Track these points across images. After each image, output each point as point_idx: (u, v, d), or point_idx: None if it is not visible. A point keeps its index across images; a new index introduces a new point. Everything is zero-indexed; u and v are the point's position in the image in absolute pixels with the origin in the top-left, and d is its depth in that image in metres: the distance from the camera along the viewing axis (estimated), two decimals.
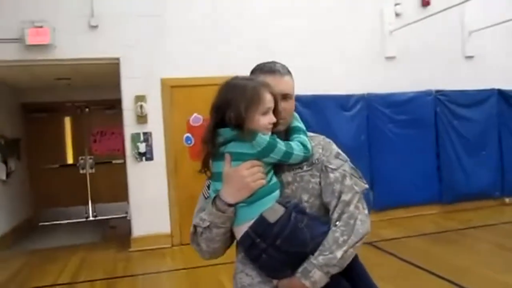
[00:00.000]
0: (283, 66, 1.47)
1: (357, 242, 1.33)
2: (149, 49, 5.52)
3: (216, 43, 5.70)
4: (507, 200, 6.83)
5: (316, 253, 1.30)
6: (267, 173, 1.33)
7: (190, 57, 5.61)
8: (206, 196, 1.44)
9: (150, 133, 5.57)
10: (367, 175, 6.03)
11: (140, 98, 5.49)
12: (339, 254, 1.29)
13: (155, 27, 5.55)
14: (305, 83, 5.82)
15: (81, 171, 7.90)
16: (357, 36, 6.25)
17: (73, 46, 5.32)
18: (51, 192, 7.53)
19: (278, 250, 1.29)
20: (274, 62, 1.47)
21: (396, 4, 6.35)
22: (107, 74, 5.95)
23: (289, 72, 1.47)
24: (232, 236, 1.40)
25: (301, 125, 1.48)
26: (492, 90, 6.72)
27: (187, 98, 5.63)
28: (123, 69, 5.50)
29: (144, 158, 5.55)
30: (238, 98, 1.29)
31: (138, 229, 5.55)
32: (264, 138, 1.29)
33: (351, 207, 1.36)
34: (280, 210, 1.30)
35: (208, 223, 1.34)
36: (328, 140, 1.51)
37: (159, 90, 5.58)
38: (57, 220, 7.54)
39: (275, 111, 1.35)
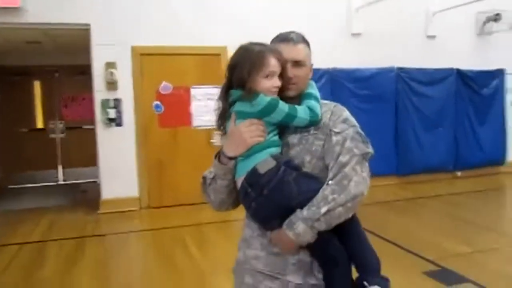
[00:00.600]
0: (298, 35, 1.51)
1: (347, 202, 1.33)
2: (121, 16, 5.58)
3: (187, 13, 5.80)
4: (458, 173, 7.30)
5: (304, 208, 1.34)
6: (268, 132, 1.41)
7: (161, 26, 5.70)
8: None
9: (120, 100, 5.70)
10: None
11: (110, 65, 5.59)
12: (323, 209, 1.31)
13: None
14: None
15: (51, 136, 7.95)
16: (324, 12, 6.43)
17: (45, 10, 5.34)
18: (21, 155, 7.59)
19: (265, 199, 1.36)
20: (290, 31, 1.52)
21: None
22: (78, 40, 5.99)
23: (304, 41, 1.51)
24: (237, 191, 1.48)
25: (315, 92, 1.52)
26: (451, 69, 7.07)
27: (157, 67, 5.77)
28: (93, 35, 5.56)
29: (114, 123, 5.69)
30: (243, 60, 1.38)
31: (107, 192, 5.74)
32: (264, 98, 1.36)
33: (347, 169, 1.37)
34: (271, 163, 1.37)
35: (213, 174, 1.47)
36: (341, 107, 1.54)
37: (130, 58, 5.68)
38: (27, 184, 7.62)
39: (283, 76, 1.42)
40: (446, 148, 7.13)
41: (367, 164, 1.42)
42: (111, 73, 5.57)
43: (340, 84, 6.45)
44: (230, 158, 1.42)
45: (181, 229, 4.99)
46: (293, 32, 1.51)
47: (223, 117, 1.46)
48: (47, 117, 8.01)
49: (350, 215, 1.37)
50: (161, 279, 3.65)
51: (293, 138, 1.46)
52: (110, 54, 5.59)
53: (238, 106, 1.40)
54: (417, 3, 6.87)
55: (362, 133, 1.46)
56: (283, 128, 1.46)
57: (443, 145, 7.09)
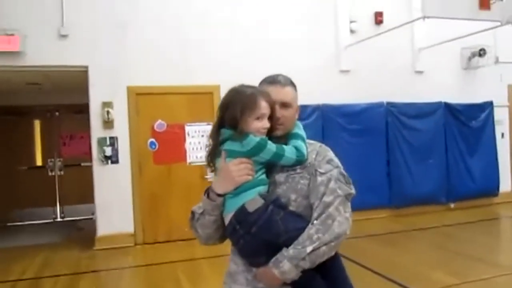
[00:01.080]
0: (286, 78, 1.60)
1: (331, 241, 1.40)
2: (116, 58, 5.82)
3: (179, 54, 6.04)
4: (452, 205, 7.37)
5: (290, 247, 1.40)
6: (257, 171, 1.47)
7: (155, 66, 5.93)
8: None
9: (116, 138, 5.87)
10: None
11: (107, 105, 5.78)
12: (309, 249, 1.38)
13: (122, 38, 5.85)
14: None
15: (50, 173, 8.09)
16: (314, 50, 6.69)
17: (43, 53, 5.58)
18: (20, 193, 7.69)
19: (253, 237, 1.41)
20: (277, 74, 1.60)
21: (351, 22, 6.84)
22: (76, 80, 6.21)
23: (291, 84, 1.59)
24: (224, 224, 1.53)
25: (301, 132, 1.60)
26: (439, 103, 7.26)
27: (152, 105, 5.96)
28: (91, 76, 5.79)
29: (110, 161, 5.84)
30: (236, 102, 1.45)
31: (103, 228, 5.82)
32: (254, 139, 1.43)
33: (331, 209, 1.44)
34: (259, 202, 1.43)
35: (202, 210, 1.53)
36: (325, 147, 1.62)
37: (125, 97, 5.88)
38: (25, 221, 7.70)
39: (272, 118, 1.49)
40: (438, 179, 7.23)
41: (349, 204, 1.50)
42: (108, 112, 5.77)
43: (330, 119, 6.63)
44: (219, 195, 1.48)
45: (174, 265, 5.04)
46: (280, 75, 1.60)
47: (214, 154, 1.53)
48: (46, 155, 8.16)
49: (332, 254, 1.44)
50: None
51: (280, 177, 1.53)
52: (106, 94, 5.80)
53: (229, 145, 1.47)
54: (404, 40, 7.12)
55: (345, 174, 1.55)
56: (271, 167, 1.52)
57: (435, 177, 7.20)
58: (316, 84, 6.58)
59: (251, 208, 1.42)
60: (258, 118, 1.45)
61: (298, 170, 1.52)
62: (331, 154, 1.58)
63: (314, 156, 1.55)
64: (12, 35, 5.41)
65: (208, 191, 1.52)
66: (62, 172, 8.11)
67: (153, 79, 5.92)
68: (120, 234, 5.81)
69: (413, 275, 4.27)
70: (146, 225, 5.93)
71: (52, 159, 8.12)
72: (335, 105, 6.66)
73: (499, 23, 5.39)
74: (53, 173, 8.10)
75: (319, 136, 6.55)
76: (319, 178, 1.49)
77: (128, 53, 5.86)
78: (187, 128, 6.09)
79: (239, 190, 1.45)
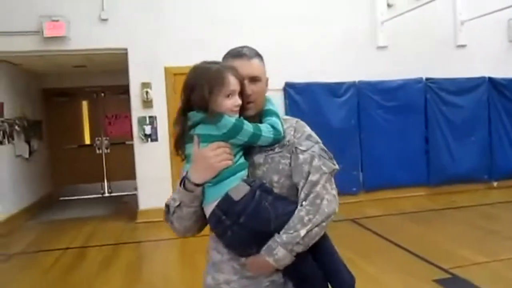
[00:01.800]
0: (251, 49, 1.48)
1: (322, 222, 1.35)
2: (154, 39, 6.04)
3: (215, 34, 6.15)
4: (495, 183, 7.15)
5: (281, 232, 1.33)
6: (235, 154, 1.35)
7: (190, 47, 6.05)
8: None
9: (155, 117, 6.13)
10: (357, 158, 6.50)
11: (145, 85, 6.04)
12: (302, 232, 1.32)
13: (159, 19, 6.05)
14: (300, 71, 6.28)
15: (97, 151, 8.57)
16: (350, 27, 6.60)
17: (86, 37, 5.89)
18: (70, 170, 8.22)
19: (242, 227, 1.31)
20: (243, 46, 1.48)
21: None
22: (118, 62, 6.48)
23: (257, 55, 1.48)
24: (204, 215, 1.42)
25: (274, 108, 1.50)
26: (482, 78, 7.00)
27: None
28: (130, 58, 6.05)
29: (149, 139, 6.13)
30: (201, 81, 1.32)
31: (144, 203, 6.15)
32: (229, 119, 1.31)
33: (318, 187, 1.37)
34: (245, 189, 1.33)
35: (178, 202, 1.38)
36: (301, 122, 1.52)
37: (163, 78, 6.11)
38: (76, 196, 8.24)
39: (242, 95, 1.37)
40: (480, 157, 7.02)
41: (333, 180, 1.44)
42: (146, 92, 6.02)
43: (366, 96, 6.56)
44: (197, 185, 1.35)
45: (207, 238, 5.27)
46: (245, 46, 1.49)
47: (182, 140, 1.41)
48: (93, 134, 8.63)
49: (322, 233, 1.39)
50: (183, 280, 3.97)
51: (258, 158, 1.43)
52: (145, 75, 6.05)
53: (201, 129, 1.34)
54: (444, 12, 6.88)
55: (326, 149, 1.47)
56: (247, 148, 1.41)
57: (477, 155, 6.99)
58: (352, 60, 6.56)
59: (236, 196, 1.32)
60: (228, 96, 1.34)
61: (277, 149, 1.43)
62: (308, 129, 1.50)
63: (292, 133, 1.47)
64: (57, 21, 5.73)
65: (183, 181, 1.38)
66: (108, 150, 8.56)
67: (189, 59, 6.00)
68: (160, 209, 6.04)
69: (442, 253, 4.24)
70: None
71: (99, 138, 8.58)
72: (371, 81, 6.58)
73: None
74: (100, 151, 8.57)
75: (354, 113, 6.55)
76: (301, 156, 1.41)
77: (164, 35, 6.06)
78: None
79: (219, 177, 1.34)
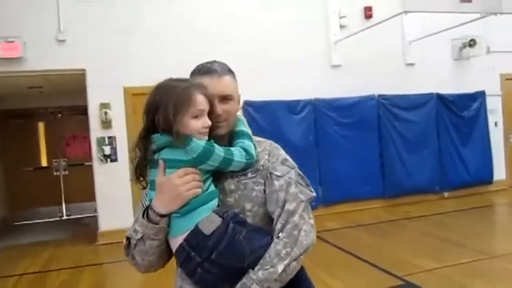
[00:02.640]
0: (223, 66, 1.39)
1: (300, 255, 1.26)
2: (113, 60, 6.05)
3: (173, 55, 6.23)
4: (446, 194, 7.52)
5: (257, 267, 1.22)
6: (204, 181, 1.25)
7: (149, 67, 6.12)
8: (142, 206, 1.34)
9: (114, 137, 6.11)
10: (315, 173, 6.68)
11: (104, 106, 6.03)
12: (280, 268, 1.22)
13: (118, 40, 6.07)
14: (258, 90, 6.45)
15: (55, 173, 8.38)
16: (306, 46, 6.86)
17: (43, 58, 5.83)
18: (26, 193, 7.99)
19: (214, 264, 1.20)
20: (212, 62, 1.39)
21: (341, 17, 6.99)
22: (76, 83, 6.45)
23: (230, 72, 1.39)
24: (169, 248, 1.31)
25: (246, 129, 1.41)
26: (431, 94, 7.39)
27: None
28: (88, 79, 6.03)
29: (109, 159, 6.09)
30: (166, 100, 1.22)
31: (105, 224, 6.08)
32: (199, 143, 1.21)
33: (296, 217, 1.28)
34: (217, 221, 1.22)
35: (141, 235, 1.25)
36: (275, 145, 1.44)
37: (122, 98, 6.12)
38: (32, 220, 8.01)
39: (211, 114, 1.28)
40: (431, 169, 7.38)
41: (310, 208, 1.35)
42: (105, 113, 6.01)
43: (323, 114, 6.79)
44: (163, 216, 1.23)
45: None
46: (215, 62, 1.40)
47: (143, 166, 1.29)
48: (51, 155, 8.45)
49: (300, 267, 1.30)
50: None
51: (229, 184, 1.33)
52: (104, 96, 6.04)
53: (167, 154, 1.23)
54: (394, 33, 7.26)
55: (303, 174, 1.39)
56: (217, 173, 1.31)
57: (428, 167, 7.35)
58: (308, 79, 6.78)
59: (207, 230, 1.21)
60: (196, 117, 1.24)
61: (250, 175, 1.33)
62: (283, 153, 1.41)
63: (266, 157, 1.37)
64: (12, 42, 5.66)
65: (146, 212, 1.26)
66: (66, 172, 8.40)
67: (148, 80, 6.09)
68: (121, 229, 6.02)
69: (397, 262, 4.44)
70: None
71: (57, 160, 8.41)
72: (327, 99, 6.83)
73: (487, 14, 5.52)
74: (58, 173, 8.39)
75: (312, 130, 6.75)
76: (277, 183, 1.32)
77: (123, 55, 6.09)
78: None
79: (188, 207, 1.23)
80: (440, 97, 7.45)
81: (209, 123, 1.27)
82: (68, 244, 6.25)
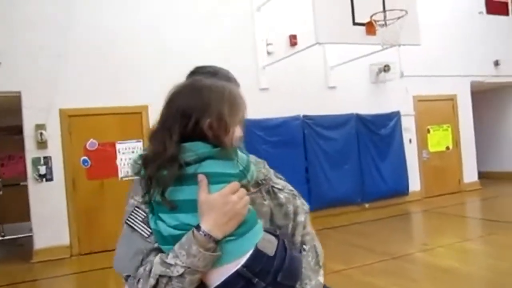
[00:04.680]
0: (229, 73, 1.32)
1: (321, 262, 1.27)
2: (48, 82, 6.27)
3: (109, 77, 6.57)
4: (366, 205, 8.24)
5: (305, 283, 1.18)
6: None
7: (85, 90, 6.43)
8: (146, 235, 1.11)
9: (50, 157, 6.30)
10: None
11: (40, 127, 6.22)
12: (321, 279, 1.22)
13: (53, 62, 6.29)
14: None
15: None
16: (235, 71, 7.35)
17: None
18: None
19: (279, 287, 1.08)
20: (220, 68, 1.36)
21: (268, 44, 7.61)
22: (11, 104, 6.60)
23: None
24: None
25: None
26: (351, 114, 8.14)
27: (83, 126, 6.45)
28: (24, 100, 6.22)
29: (44, 179, 6.27)
30: (219, 103, 1.06)
31: (40, 242, 6.22)
32: (242, 154, 1.10)
33: (308, 228, 1.29)
34: (274, 240, 1.11)
35: (182, 270, 1.01)
36: (260, 159, 1.37)
37: (58, 119, 6.34)
38: None
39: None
40: (353, 183, 8.08)
41: None
42: (41, 134, 6.20)
43: (252, 133, 7.30)
44: (216, 241, 1.02)
45: (106, 271, 5.51)
46: (222, 68, 1.40)
47: (173, 183, 1.04)
48: None
49: None
50: None
51: None
52: (39, 117, 6.24)
53: (212, 166, 1.04)
54: (316, 59, 7.96)
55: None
56: None
57: (350, 181, 8.05)
58: None
59: (270, 250, 1.08)
60: (239, 123, 1.13)
61: (251, 189, 1.20)
62: (268, 166, 1.37)
63: (263, 170, 1.32)
64: None
65: (189, 242, 1.02)
66: (1, 192, 8.37)
67: (84, 102, 6.41)
68: (57, 247, 6.23)
69: None
70: (82, 237, 6.38)
71: None
72: (255, 119, 7.36)
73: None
74: None
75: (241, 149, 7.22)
76: (281, 196, 1.29)
77: (59, 78, 6.32)
78: (118, 146, 6.62)
79: (243, 228, 1.05)
80: (359, 117, 8.22)
81: (242, 133, 1.16)
82: (3, 263, 6.32)
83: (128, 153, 6.64)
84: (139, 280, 1.07)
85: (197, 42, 7.17)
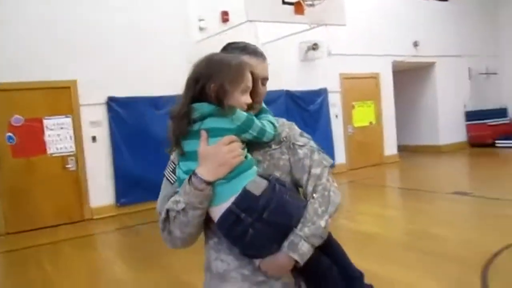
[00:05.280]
0: (262, 51, 1.47)
1: (334, 212, 1.34)
2: None
3: (35, 50, 6.31)
4: None
5: (299, 226, 1.28)
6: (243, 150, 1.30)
7: (10, 63, 6.14)
8: (172, 181, 1.37)
9: None
10: None
11: None
12: (322, 223, 1.29)
13: None
14: (123, 86, 6.81)
15: None
16: (169, 46, 7.38)
17: None
18: None
19: (265, 223, 1.24)
20: (250, 44, 1.46)
21: (200, 20, 7.63)
22: None
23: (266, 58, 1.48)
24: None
25: (265, 107, 1.49)
26: (281, 91, 8.43)
27: (8, 101, 6.18)
28: None
29: None
30: (222, 71, 1.27)
31: None
32: (242, 113, 1.28)
33: (323, 180, 1.36)
34: (263, 183, 1.27)
35: (183, 205, 1.25)
36: (290, 122, 1.53)
37: None
38: None
39: (253, 93, 1.34)
40: None
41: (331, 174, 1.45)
42: None
43: None
44: (208, 184, 1.23)
45: (38, 248, 5.46)
46: (255, 45, 1.48)
47: (182, 136, 1.28)
48: None
49: None
50: None
51: (257, 155, 1.38)
52: None
53: (212, 123, 1.26)
54: (249, 36, 8.02)
55: (318, 145, 1.49)
56: (246, 145, 1.34)
57: None
58: (170, 76, 7.27)
59: (257, 191, 1.25)
60: (243, 92, 1.31)
61: (274, 146, 1.41)
62: (298, 128, 1.52)
63: (287, 130, 1.48)
64: None
65: (190, 180, 1.25)
66: None
67: (8, 76, 6.13)
68: None
69: None
70: (9, 216, 6.18)
71: None
72: None
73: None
74: None
75: None
76: (300, 151, 1.42)
77: None
78: (46, 122, 6.42)
79: (233, 173, 1.25)
80: (289, 94, 8.53)
81: (250, 100, 1.33)
82: None
83: (57, 129, 6.47)
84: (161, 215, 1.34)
85: (128, 18, 7.05)
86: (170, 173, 1.38)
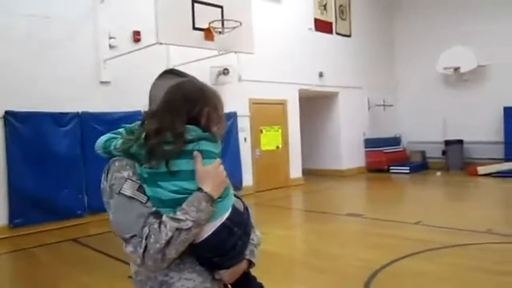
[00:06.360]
0: None
1: None
2: None
3: None
4: None
5: (252, 235, 1.47)
6: None
7: None
8: (144, 201, 1.29)
9: None
10: (81, 183, 7.02)
11: None
12: (258, 232, 1.50)
13: None
14: (22, 100, 6.52)
15: None
16: (77, 63, 7.20)
17: None
18: None
19: (246, 235, 1.42)
20: (185, 72, 1.61)
21: (110, 38, 7.55)
22: None
23: None
24: None
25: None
26: None
27: None
28: None
29: None
30: (215, 101, 1.41)
31: None
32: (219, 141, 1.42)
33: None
34: (240, 201, 1.45)
35: (191, 223, 1.26)
36: None
37: None
38: None
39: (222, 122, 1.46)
40: None
41: None
42: None
43: (90, 127, 7.14)
44: (213, 201, 1.32)
45: None
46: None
47: (173, 156, 1.28)
48: None
49: None
50: None
51: None
52: None
53: (206, 146, 1.34)
54: (159, 57, 8.14)
55: None
56: None
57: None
58: (76, 93, 7.11)
59: (240, 207, 1.42)
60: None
61: None
62: None
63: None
64: None
65: (198, 200, 1.28)
66: None
67: None
68: None
69: None
70: None
71: None
72: (94, 113, 7.26)
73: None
74: None
75: (79, 143, 7.07)
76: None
77: None
78: None
79: (226, 192, 1.38)
80: None
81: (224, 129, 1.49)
82: None
83: None
84: (147, 236, 1.24)
85: (37, 30, 6.79)
86: (135, 191, 1.30)
